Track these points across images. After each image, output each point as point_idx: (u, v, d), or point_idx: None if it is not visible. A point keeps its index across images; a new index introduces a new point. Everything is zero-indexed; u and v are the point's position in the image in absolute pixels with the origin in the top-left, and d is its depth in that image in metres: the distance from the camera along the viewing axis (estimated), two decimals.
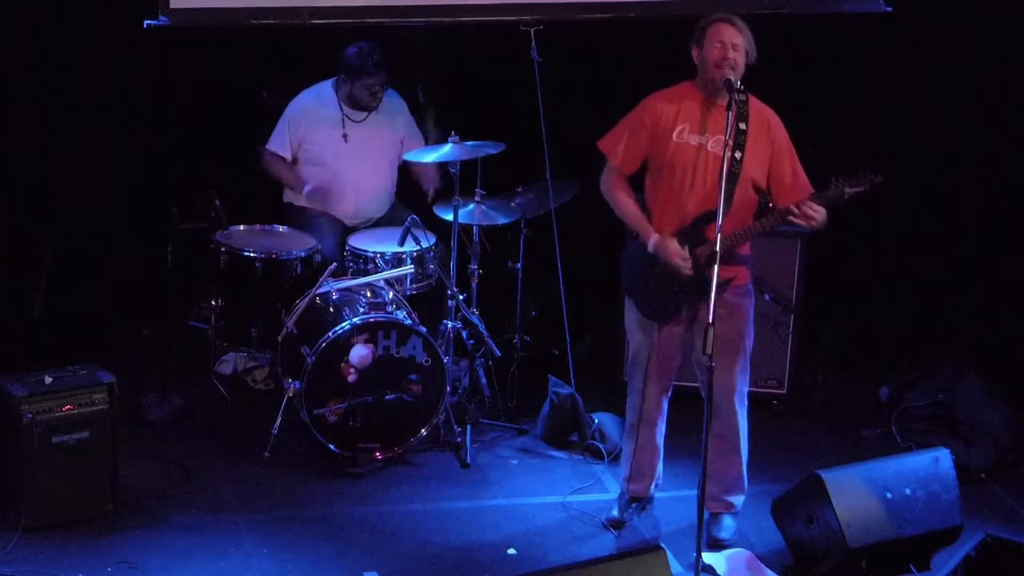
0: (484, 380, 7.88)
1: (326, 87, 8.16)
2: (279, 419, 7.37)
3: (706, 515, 6.53)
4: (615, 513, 7.04)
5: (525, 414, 7.92)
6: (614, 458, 7.36)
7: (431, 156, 7.66)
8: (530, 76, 7.70)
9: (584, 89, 8.49)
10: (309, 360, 7.31)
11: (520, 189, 7.93)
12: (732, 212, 6.50)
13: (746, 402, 6.84)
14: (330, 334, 7.33)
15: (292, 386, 7.34)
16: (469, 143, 7.58)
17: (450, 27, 8.09)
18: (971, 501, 6.90)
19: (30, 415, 6.65)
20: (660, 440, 6.97)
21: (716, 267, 6.13)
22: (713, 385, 6.20)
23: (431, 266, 7.80)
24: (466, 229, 7.83)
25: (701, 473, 6.17)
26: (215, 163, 8.24)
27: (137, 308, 8.29)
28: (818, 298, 8.30)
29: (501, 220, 7.85)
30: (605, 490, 7.32)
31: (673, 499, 7.18)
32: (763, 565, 6.66)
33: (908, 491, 6.56)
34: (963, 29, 8.30)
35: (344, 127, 8.11)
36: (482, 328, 7.79)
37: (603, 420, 7.67)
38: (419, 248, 7.70)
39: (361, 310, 7.48)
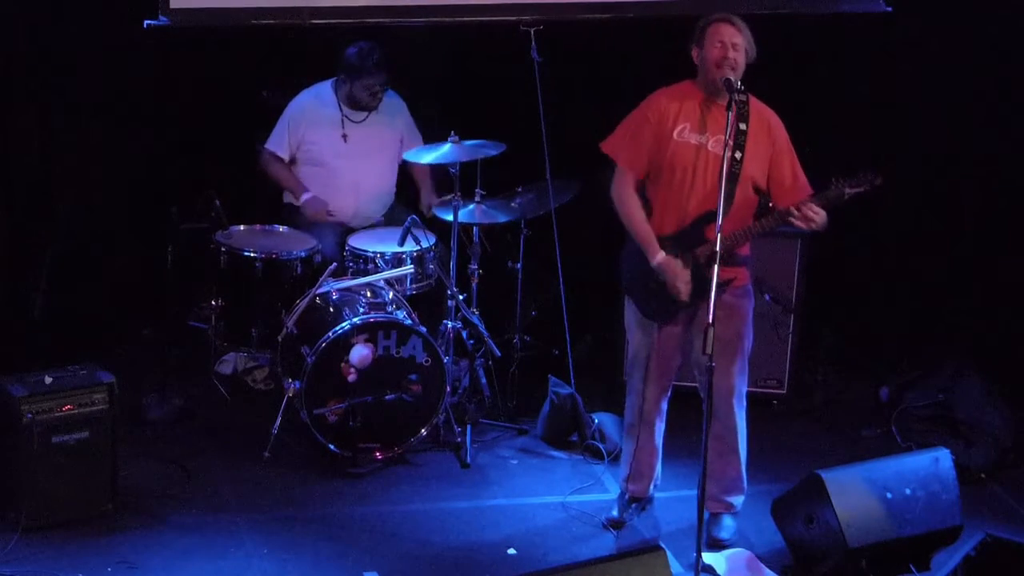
0: (484, 380, 7.88)
1: (326, 87, 8.16)
2: (279, 419, 7.37)
3: (706, 515, 6.53)
4: (615, 513, 7.04)
5: (525, 414, 7.92)
6: (614, 458, 7.36)
7: (430, 156, 7.66)
8: (530, 76, 7.69)
9: (584, 89, 8.49)
10: (309, 360, 7.31)
11: (520, 189, 7.93)
12: (732, 212, 6.50)
13: (744, 403, 6.85)
14: (330, 334, 7.33)
15: (292, 386, 7.34)
16: (469, 143, 7.58)
17: (450, 27, 8.09)
18: (971, 501, 6.89)
19: (30, 415, 6.65)
20: (659, 440, 6.97)
21: (716, 267, 6.13)
22: (712, 385, 6.21)
23: (431, 266, 7.80)
24: (466, 229, 7.83)
25: (701, 473, 6.17)
26: (215, 163, 8.24)
27: (137, 308, 8.29)
28: (818, 298, 8.30)
29: (501, 220, 7.85)
30: (605, 490, 7.32)
31: (673, 499, 7.18)
32: (763, 565, 6.66)
33: (908, 491, 6.56)
34: (963, 29, 8.30)
35: (344, 127, 8.11)
36: (482, 328, 7.79)
37: (603, 420, 7.67)
38: (419, 248, 7.70)
39: (361, 310, 7.48)
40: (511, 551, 6.81)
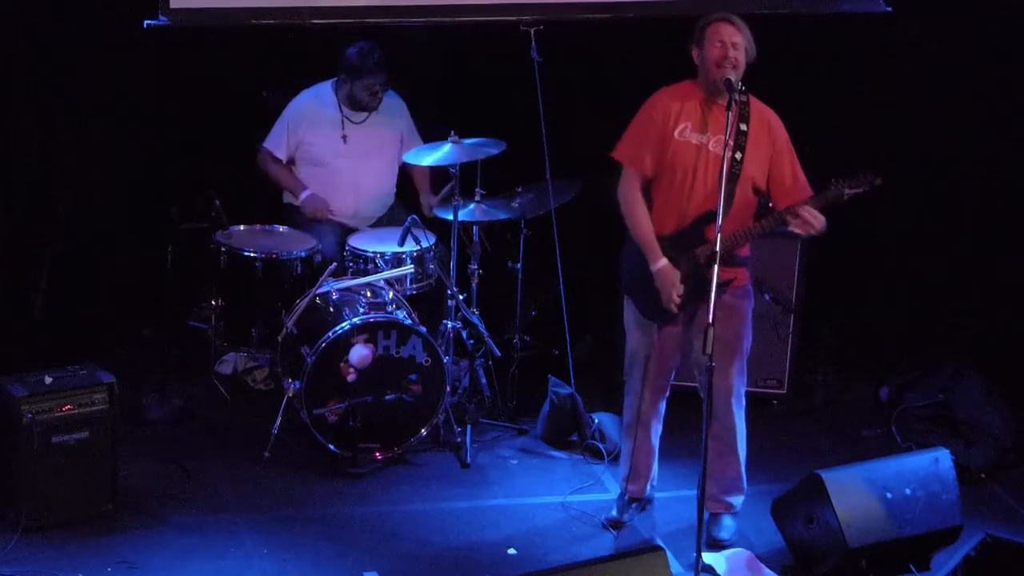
0: (484, 380, 7.88)
1: (326, 88, 8.16)
2: (279, 419, 7.37)
3: (706, 515, 6.53)
4: (615, 513, 7.04)
5: (525, 414, 7.92)
6: (614, 458, 7.36)
7: (430, 157, 7.65)
8: (530, 76, 7.69)
9: (584, 89, 8.49)
10: (309, 360, 7.31)
11: (520, 189, 7.93)
12: (732, 213, 6.51)
13: (744, 403, 6.85)
14: (330, 334, 7.33)
15: (292, 386, 7.34)
16: (469, 143, 7.58)
17: (450, 27, 8.09)
18: (971, 501, 6.89)
19: (30, 415, 6.65)
20: (656, 441, 6.97)
21: (716, 267, 6.13)
22: (712, 386, 6.21)
23: (431, 266, 7.80)
24: (466, 229, 7.83)
25: (701, 473, 6.17)
26: (215, 163, 8.24)
27: (137, 308, 8.29)
28: (818, 298, 8.30)
29: (501, 217, 7.85)
30: (605, 490, 7.32)
31: (673, 499, 7.18)
32: (763, 565, 6.66)
33: (908, 491, 6.56)
34: (963, 29, 8.30)
35: (343, 128, 8.11)
36: (482, 328, 7.79)
37: (603, 420, 7.67)
38: (419, 248, 7.70)
39: (361, 310, 7.48)
40: (511, 551, 6.81)
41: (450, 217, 7.61)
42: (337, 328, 7.34)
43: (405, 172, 8.33)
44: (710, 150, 6.60)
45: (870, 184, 6.53)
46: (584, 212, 7.87)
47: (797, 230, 6.55)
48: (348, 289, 7.63)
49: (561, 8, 8.14)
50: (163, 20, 7.61)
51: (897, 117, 8.62)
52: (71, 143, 8.21)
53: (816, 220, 6.51)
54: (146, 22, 7.59)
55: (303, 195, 8.12)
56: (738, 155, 6.54)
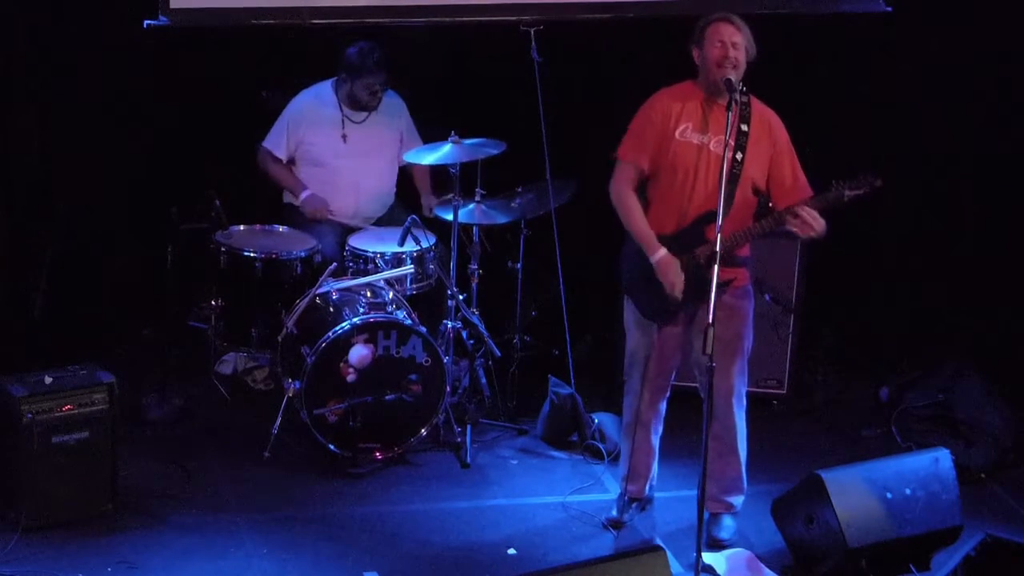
0: (484, 380, 7.88)
1: (326, 87, 8.16)
2: (279, 419, 7.37)
3: (706, 515, 6.53)
4: (615, 513, 7.04)
5: (525, 414, 7.92)
6: (614, 458, 7.36)
7: (430, 156, 7.65)
8: (530, 76, 7.69)
9: (584, 89, 8.49)
10: (309, 360, 7.30)
11: (520, 189, 7.93)
12: (732, 213, 6.51)
13: (744, 403, 6.84)
14: (330, 334, 7.33)
15: (292, 386, 7.34)
16: (469, 143, 7.58)
17: (450, 27, 8.09)
18: (971, 501, 6.89)
19: (30, 415, 6.65)
20: (656, 441, 6.97)
21: (716, 268, 6.13)
22: (712, 386, 6.21)
23: (431, 266, 7.80)
24: (466, 229, 7.83)
25: (701, 473, 6.17)
26: (215, 163, 8.24)
27: (137, 308, 8.29)
28: (818, 298, 8.30)
29: (501, 220, 7.85)
30: (605, 490, 7.32)
31: (673, 499, 7.18)
32: (763, 565, 6.66)
33: (908, 491, 6.56)
34: (963, 29, 8.30)
35: (343, 127, 8.11)
36: (482, 328, 7.79)
37: (603, 420, 7.67)
38: (419, 248, 7.70)
39: (361, 310, 7.48)
40: (511, 551, 6.81)
41: (450, 217, 7.61)
42: (337, 328, 7.34)
43: (405, 172, 8.33)
44: (711, 150, 6.60)
45: (870, 186, 6.53)
46: (584, 212, 7.87)
47: (796, 231, 6.54)
48: (348, 289, 7.63)
49: (561, 8, 8.15)
50: (163, 20, 7.61)
51: (897, 117, 8.62)
52: (71, 143, 8.21)
53: (816, 222, 6.50)
54: (146, 22, 7.60)
55: (303, 195, 8.12)
56: (739, 155, 6.54)
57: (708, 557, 6.59)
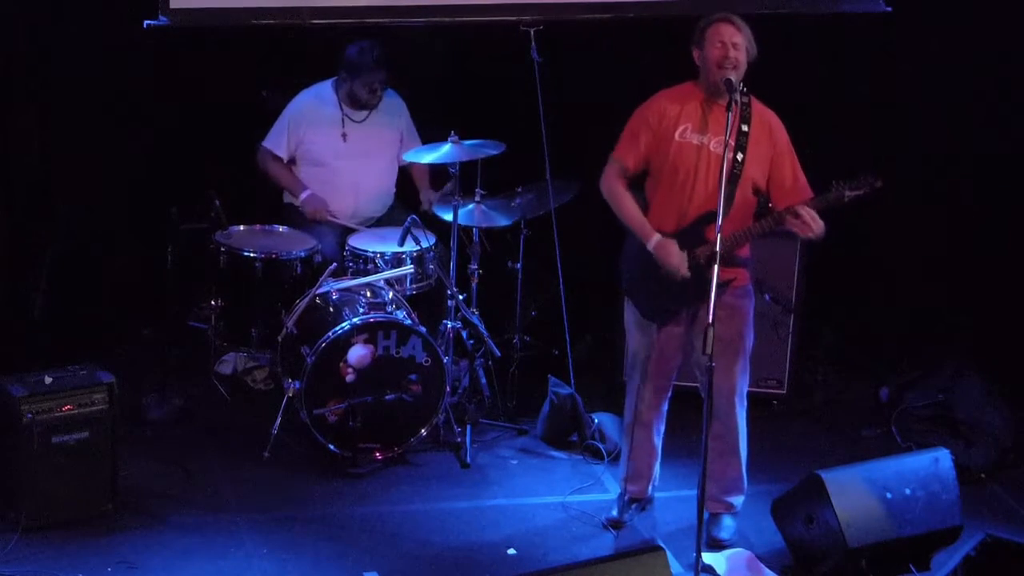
0: (484, 380, 7.88)
1: (326, 87, 8.16)
2: (279, 419, 7.37)
3: (706, 515, 6.53)
4: (615, 513, 7.04)
5: (525, 414, 7.92)
6: (614, 458, 7.36)
7: (430, 156, 7.65)
8: (530, 76, 7.69)
9: (584, 89, 8.49)
10: (309, 360, 7.30)
11: (520, 189, 7.93)
12: (732, 213, 6.51)
13: (745, 403, 6.84)
14: (330, 334, 7.33)
15: (292, 386, 7.34)
16: (469, 143, 7.58)
17: (450, 27, 8.09)
18: (971, 501, 6.89)
19: (30, 415, 6.65)
20: (658, 441, 6.97)
21: (716, 268, 6.13)
22: (713, 386, 6.21)
23: (431, 266, 7.80)
24: (466, 229, 7.83)
25: (701, 473, 6.17)
26: (215, 163, 8.24)
27: (137, 308, 8.29)
28: (818, 298, 8.30)
29: (501, 220, 7.85)
30: (605, 490, 7.32)
31: (673, 499, 7.18)
32: (763, 565, 6.66)
33: (908, 491, 6.56)
34: (963, 29, 8.30)
35: (344, 127, 8.11)
36: (482, 328, 7.79)
37: (603, 420, 7.67)
38: (419, 248, 7.70)
39: (361, 310, 7.48)
40: (511, 551, 6.81)
41: (449, 216, 7.61)
42: (337, 328, 7.34)
43: (405, 172, 8.33)
44: (711, 151, 6.60)
45: (870, 186, 6.52)
46: (584, 212, 7.86)
47: (796, 231, 6.55)
48: (348, 289, 7.63)
49: (561, 8, 8.14)
50: (163, 20, 7.61)
51: (897, 117, 8.62)
52: (71, 143, 8.21)
53: (815, 223, 6.50)
54: (146, 22, 7.59)
55: (303, 195, 8.12)
56: (739, 156, 6.54)
57: (708, 557, 6.59)
